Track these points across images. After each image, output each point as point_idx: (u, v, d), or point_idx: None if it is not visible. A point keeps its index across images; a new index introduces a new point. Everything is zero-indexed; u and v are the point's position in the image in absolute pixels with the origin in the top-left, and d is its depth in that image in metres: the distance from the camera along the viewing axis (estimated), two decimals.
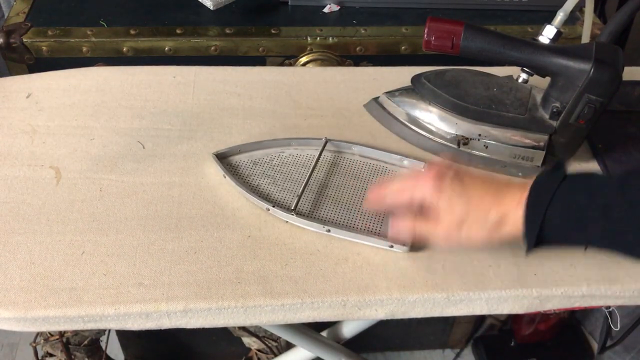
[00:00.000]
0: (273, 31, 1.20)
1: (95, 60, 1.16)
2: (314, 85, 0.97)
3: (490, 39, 0.75)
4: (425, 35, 0.76)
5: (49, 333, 1.18)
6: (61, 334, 1.17)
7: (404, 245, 0.73)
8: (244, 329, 1.26)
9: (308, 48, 1.20)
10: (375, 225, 0.76)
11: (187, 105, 0.91)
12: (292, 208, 0.75)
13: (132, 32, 1.17)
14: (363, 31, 1.21)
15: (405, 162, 0.84)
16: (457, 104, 0.81)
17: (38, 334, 1.19)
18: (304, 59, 1.20)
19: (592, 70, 0.72)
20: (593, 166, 0.86)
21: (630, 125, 0.92)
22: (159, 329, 0.69)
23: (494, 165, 0.82)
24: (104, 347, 1.24)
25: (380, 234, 0.75)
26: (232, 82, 0.96)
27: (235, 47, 1.18)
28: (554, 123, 0.79)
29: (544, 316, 1.52)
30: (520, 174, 0.82)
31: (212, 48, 1.18)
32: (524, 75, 0.81)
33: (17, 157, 0.81)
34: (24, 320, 0.66)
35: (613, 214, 0.56)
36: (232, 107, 0.92)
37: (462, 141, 0.82)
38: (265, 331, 1.27)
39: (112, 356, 1.27)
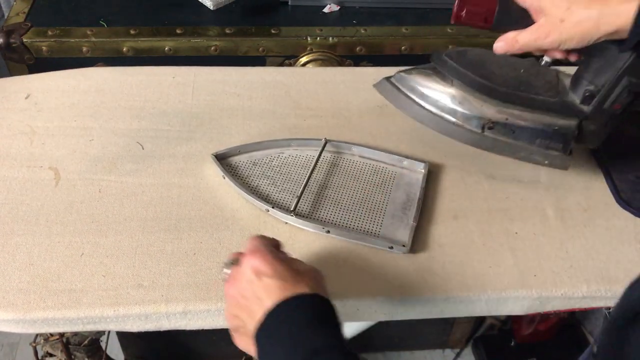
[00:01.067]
0: (273, 31, 1.20)
1: (95, 60, 1.16)
2: (314, 86, 0.97)
3: (525, 14, 0.69)
4: (456, 7, 0.72)
5: (49, 333, 1.18)
6: (61, 334, 1.16)
7: (403, 246, 0.73)
8: None
9: (308, 48, 1.20)
10: (374, 226, 0.76)
11: (187, 106, 0.91)
12: (292, 209, 0.75)
13: (132, 32, 1.17)
14: (363, 31, 1.21)
15: (405, 162, 0.84)
16: (483, 84, 0.75)
17: (38, 334, 1.18)
18: (304, 59, 1.20)
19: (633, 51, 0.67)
20: (593, 167, 0.86)
21: (630, 125, 0.92)
22: (158, 330, 0.69)
23: (519, 152, 0.77)
24: (104, 347, 1.24)
25: (380, 235, 0.75)
26: (232, 83, 0.96)
27: (235, 47, 1.18)
28: (586, 108, 0.74)
29: (543, 316, 1.52)
30: (546, 161, 0.77)
31: (212, 48, 1.17)
32: (547, 58, 0.76)
33: (16, 158, 0.81)
34: (23, 322, 0.66)
35: None
36: (231, 107, 0.91)
37: (488, 125, 0.76)
38: None
39: (112, 356, 1.27)
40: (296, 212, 0.75)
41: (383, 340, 1.69)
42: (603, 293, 0.73)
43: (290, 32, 1.20)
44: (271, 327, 0.54)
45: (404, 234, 0.74)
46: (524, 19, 0.68)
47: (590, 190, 0.83)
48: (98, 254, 0.71)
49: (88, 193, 0.77)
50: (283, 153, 0.84)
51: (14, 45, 1.14)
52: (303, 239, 0.74)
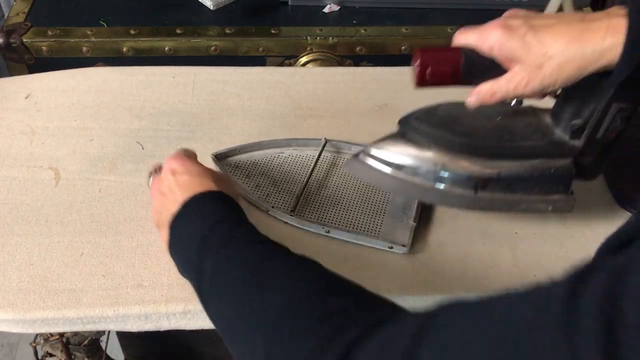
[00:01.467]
0: (273, 31, 1.20)
1: (95, 60, 1.16)
2: (314, 86, 0.97)
3: (495, 62, 0.62)
4: (418, 70, 0.64)
5: (49, 333, 1.18)
6: (61, 334, 1.16)
7: (403, 246, 0.73)
8: None
9: (308, 48, 1.20)
10: (374, 226, 0.76)
11: (187, 106, 0.91)
12: (292, 209, 0.75)
13: (132, 32, 1.17)
14: (363, 31, 1.21)
15: None
16: (464, 143, 0.68)
17: (38, 334, 1.18)
18: (304, 59, 1.20)
19: None
20: None
21: (630, 125, 0.91)
22: (158, 330, 0.69)
23: (519, 205, 0.70)
24: (104, 347, 1.24)
25: (380, 235, 0.75)
26: (232, 83, 0.96)
27: (235, 47, 1.18)
28: (577, 142, 0.68)
29: None
30: (550, 207, 0.70)
31: (212, 48, 1.17)
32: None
33: (15, 158, 0.81)
34: (23, 322, 0.66)
35: None
36: (231, 107, 0.91)
37: (480, 185, 0.68)
38: None
39: (112, 356, 1.27)
40: (296, 212, 0.75)
41: None
42: None
43: (290, 32, 1.20)
44: (181, 216, 0.62)
45: (404, 234, 0.74)
46: (495, 68, 0.62)
47: (590, 190, 0.83)
48: (98, 254, 0.71)
49: (88, 193, 0.77)
50: (283, 153, 0.84)
51: (14, 45, 1.14)
52: (302, 239, 0.74)
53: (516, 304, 0.35)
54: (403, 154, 0.69)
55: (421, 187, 0.69)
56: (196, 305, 0.67)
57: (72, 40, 1.15)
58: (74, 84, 0.93)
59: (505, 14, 0.62)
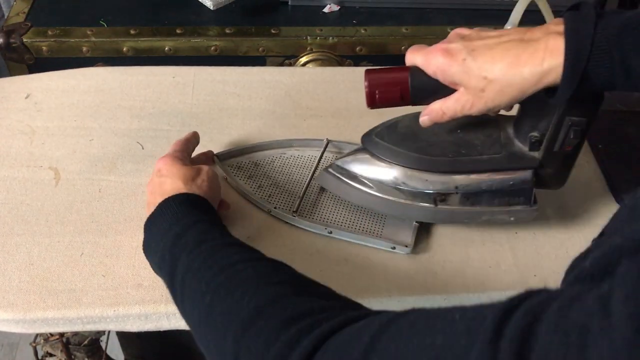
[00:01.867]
0: (273, 31, 1.20)
1: (95, 60, 1.16)
2: (314, 86, 0.97)
3: (443, 85, 0.62)
4: (367, 92, 0.65)
5: (49, 333, 1.18)
6: (61, 334, 1.16)
7: (406, 246, 0.73)
8: None
9: (308, 48, 1.20)
10: (377, 226, 0.76)
11: (187, 106, 0.91)
12: (294, 210, 0.75)
13: (132, 32, 1.17)
14: (363, 31, 1.21)
15: None
16: (422, 158, 0.69)
17: (38, 334, 1.18)
18: (304, 59, 1.20)
19: None
20: (594, 167, 0.86)
21: (630, 125, 0.92)
22: (158, 330, 0.69)
23: (481, 216, 0.72)
24: (104, 347, 1.24)
25: (382, 236, 0.75)
26: (232, 83, 0.95)
27: (235, 47, 1.18)
28: (536, 154, 0.69)
29: None
30: (512, 218, 0.72)
31: (212, 48, 1.17)
32: None
33: (16, 158, 0.81)
34: (23, 322, 0.66)
35: None
36: (231, 107, 0.91)
37: (439, 198, 0.70)
38: None
39: (112, 356, 1.27)
40: (298, 213, 0.75)
41: None
42: None
43: (290, 32, 1.20)
44: (153, 217, 0.64)
45: (407, 234, 0.74)
46: (443, 89, 0.62)
47: (590, 190, 0.83)
48: (98, 254, 0.71)
49: (88, 193, 0.77)
50: (285, 154, 0.84)
51: (14, 45, 1.14)
52: (303, 239, 0.74)
53: (454, 328, 0.36)
54: (366, 170, 0.72)
55: (385, 201, 0.72)
56: None
57: (72, 40, 1.15)
58: (74, 83, 0.93)
59: (450, 34, 0.63)
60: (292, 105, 0.93)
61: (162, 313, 0.67)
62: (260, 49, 1.19)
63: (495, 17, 1.26)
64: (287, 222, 0.76)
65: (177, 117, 0.89)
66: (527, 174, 0.69)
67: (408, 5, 1.28)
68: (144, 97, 0.92)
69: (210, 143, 0.85)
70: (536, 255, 0.74)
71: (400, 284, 0.70)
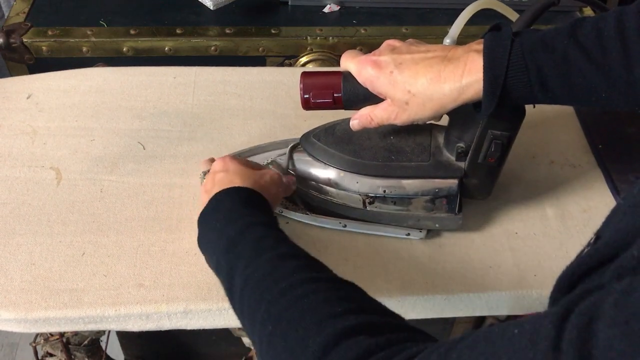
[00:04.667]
0: (273, 31, 1.20)
1: (95, 60, 1.16)
2: None
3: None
4: (302, 94, 0.68)
5: (49, 333, 1.18)
6: (61, 334, 1.17)
7: (420, 231, 0.74)
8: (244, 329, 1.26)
9: (308, 48, 1.20)
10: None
11: (187, 106, 0.91)
12: (308, 208, 0.75)
13: (132, 32, 1.17)
14: (363, 31, 1.21)
15: None
16: (353, 161, 0.72)
17: (38, 334, 1.18)
18: (304, 59, 1.21)
19: None
20: (594, 167, 0.86)
21: (630, 126, 0.92)
22: (159, 330, 0.69)
23: (407, 220, 0.74)
24: (104, 347, 1.24)
25: (411, 225, 0.75)
26: (232, 83, 0.96)
27: (235, 47, 1.19)
28: (462, 165, 0.71)
29: None
30: (437, 225, 0.74)
31: (212, 48, 1.18)
32: None
33: (17, 158, 0.81)
34: (25, 322, 0.66)
35: (574, 63, 0.57)
36: (232, 107, 0.92)
37: (368, 200, 0.73)
38: None
39: (112, 356, 1.27)
40: (312, 210, 0.76)
41: None
42: None
43: (290, 32, 1.21)
44: (208, 210, 0.63)
45: (457, 216, 0.74)
46: (373, 97, 0.65)
47: (590, 191, 0.83)
48: (99, 254, 0.71)
49: (89, 193, 0.78)
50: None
51: (14, 45, 1.14)
52: (303, 239, 0.74)
53: (515, 344, 0.36)
54: (303, 169, 0.75)
55: (320, 199, 0.75)
56: (197, 305, 0.67)
57: (72, 40, 1.15)
58: (75, 84, 0.93)
59: (382, 45, 0.66)
60: (293, 105, 0.93)
61: (163, 313, 0.67)
62: (260, 49, 1.19)
63: (495, 17, 1.26)
64: (286, 222, 0.76)
65: (178, 118, 0.89)
66: (452, 183, 0.71)
67: (408, 5, 1.29)
68: (145, 97, 0.92)
69: (212, 143, 0.85)
70: (536, 256, 0.75)
71: (401, 284, 0.71)
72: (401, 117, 0.64)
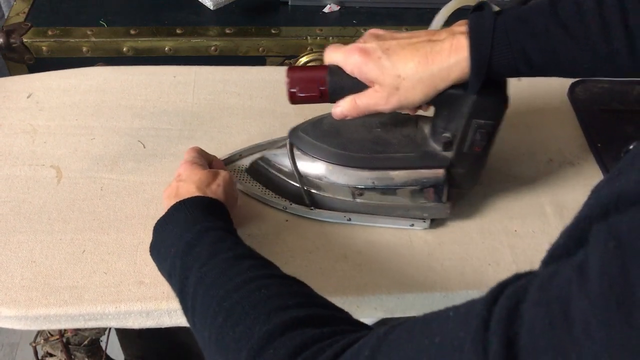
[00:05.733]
0: (273, 31, 1.20)
1: (95, 60, 1.17)
2: None
3: (359, 82, 0.65)
4: (288, 88, 0.68)
5: (49, 333, 1.18)
6: (61, 333, 1.17)
7: (423, 221, 0.74)
8: None
9: (308, 48, 1.20)
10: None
11: (187, 105, 0.91)
12: (311, 204, 0.76)
13: (132, 32, 1.17)
14: (363, 31, 1.21)
15: None
16: (341, 154, 0.73)
17: (38, 334, 1.19)
18: (304, 59, 1.21)
19: (475, 94, 0.64)
20: (593, 165, 0.87)
21: (629, 124, 0.92)
22: (159, 327, 0.69)
23: (396, 211, 0.75)
24: (104, 347, 1.24)
25: (400, 215, 0.75)
26: (232, 82, 0.96)
27: (235, 47, 1.19)
28: (449, 154, 0.71)
29: None
30: (425, 214, 0.75)
31: (212, 48, 1.18)
32: None
33: (18, 157, 0.81)
34: (25, 319, 0.66)
35: (554, 37, 0.58)
36: (232, 106, 0.92)
37: (357, 193, 0.74)
38: None
39: (112, 356, 1.27)
40: (315, 205, 0.76)
41: None
42: None
43: (290, 32, 1.21)
44: (165, 220, 0.64)
45: (445, 206, 0.75)
46: (359, 88, 0.65)
47: (588, 188, 0.82)
48: (99, 252, 0.71)
49: (90, 191, 0.78)
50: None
51: (14, 45, 1.15)
52: (302, 236, 0.75)
53: (449, 325, 0.37)
54: (291, 164, 0.76)
55: (309, 193, 0.76)
56: None
57: (72, 40, 1.15)
58: (75, 83, 0.93)
59: (365, 34, 0.66)
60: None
61: (163, 310, 0.67)
62: (260, 49, 1.19)
63: None
64: (285, 220, 0.76)
65: (178, 116, 0.89)
66: (439, 173, 0.72)
67: (408, 5, 1.29)
68: (145, 96, 0.92)
69: (211, 142, 0.85)
70: (535, 253, 0.75)
71: (400, 281, 0.71)
72: (391, 103, 0.64)
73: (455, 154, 0.71)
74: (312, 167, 0.75)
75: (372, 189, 0.74)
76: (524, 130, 0.91)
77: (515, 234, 0.77)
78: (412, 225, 0.75)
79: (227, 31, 1.19)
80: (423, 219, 0.76)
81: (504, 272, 0.72)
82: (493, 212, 0.79)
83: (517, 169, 0.85)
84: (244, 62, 1.14)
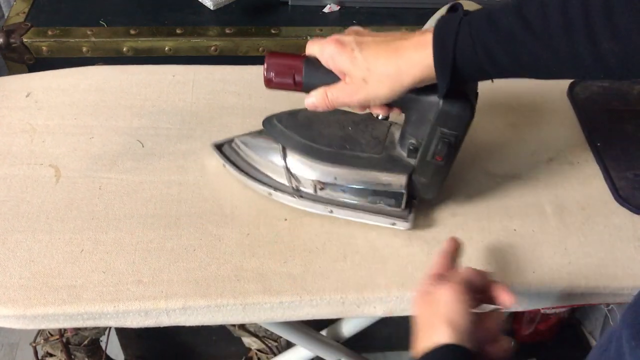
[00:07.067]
0: (273, 31, 1.20)
1: (95, 60, 1.17)
2: None
3: (333, 75, 0.65)
4: (265, 73, 0.68)
5: (49, 333, 1.18)
6: (61, 333, 1.17)
7: (405, 222, 0.74)
8: (244, 328, 1.26)
9: None
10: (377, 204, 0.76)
11: (186, 104, 0.91)
12: (295, 192, 0.75)
13: (132, 32, 1.17)
14: None
15: None
16: (309, 146, 0.74)
17: (38, 334, 1.19)
18: None
19: (441, 101, 0.64)
20: (592, 165, 0.86)
21: (629, 123, 0.92)
22: (158, 326, 0.69)
23: (357, 210, 0.75)
24: (104, 347, 1.24)
25: (383, 212, 0.75)
26: (231, 81, 0.96)
27: (235, 47, 1.19)
28: (413, 161, 0.71)
29: (544, 316, 1.52)
30: (384, 218, 0.75)
31: (212, 48, 1.18)
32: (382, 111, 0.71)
33: (16, 156, 0.81)
34: (24, 318, 0.66)
35: (517, 37, 0.57)
36: (231, 106, 0.92)
37: (319, 186, 0.75)
38: (266, 331, 1.27)
39: (112, 356, 1.27)
40: (300, 194, 0.76)
41: (383, 340, 1.69)
42: (601, 290, 0.73)
43: (290, 32, 1.21)
44: None
45: (405, 211, 0.75)
46: (333, 80, 0.65)
47: (588, 188, 0.83)
48: (98, 251, 0.71)
49: (88, 190, 0.78)
50: None
51: (14, 45, 1.15)
52: (302, 236, 0.75)
53: None
54: (260, 149, 0.78)
55: (275, 182, 0.77)
56: (196, 301, 0.67)
57: (72, 40, 1.15)
58: (74, 82, 0.93)
59: (347, 29, 0.67)
60: (292, 104, 0.93)
61: (162, 309, 0.67)
62: (260, 49, 1.19)
63: None
64: (285, 219, 0.76)
65: (177, 116, 0.89)
66: (401, 178, 0.72)
67: (408, 5, 1.29)
68: (144, 95, 0.92)
69: (210, 141, 0.85)
70: (535, 253, 0.75)
71: (399, 280, 0.71)
72: (358, 95, 0.64)
73: (419, 162, 0.71)
74: (281, 155, 0.76)
75: (334, 185, 0.74)
76: (524, 130, 0.91)
77: (515, 233, 0.77)
78: (394, 224, 0.75)
79: (227, 31, 1.19)
80: (381, 224, 0.76)
81: (504, 272, 0.72)
82: (492, 212, 0.79)
83: (517, 168, 0.85)
84: (244, 62, 1.14)
